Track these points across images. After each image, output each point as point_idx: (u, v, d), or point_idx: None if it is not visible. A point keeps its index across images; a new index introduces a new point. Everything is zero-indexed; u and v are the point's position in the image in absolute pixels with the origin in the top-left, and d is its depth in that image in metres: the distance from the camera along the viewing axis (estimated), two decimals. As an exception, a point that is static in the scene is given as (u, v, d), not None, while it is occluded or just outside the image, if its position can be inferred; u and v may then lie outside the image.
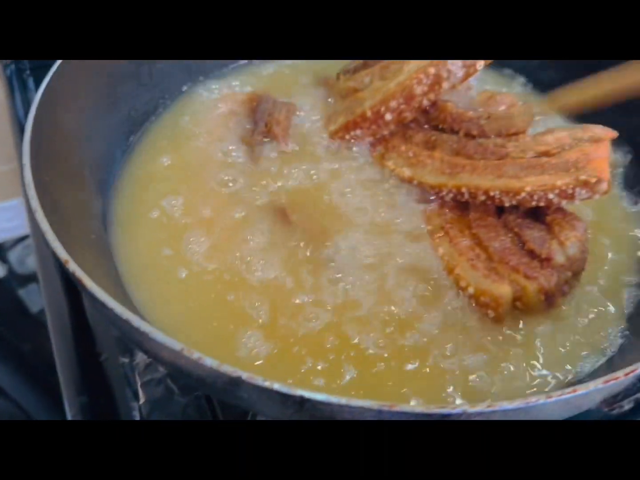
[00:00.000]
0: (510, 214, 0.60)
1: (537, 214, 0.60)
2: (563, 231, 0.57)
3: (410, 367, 0.49)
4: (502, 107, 0.67)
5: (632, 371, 0.40)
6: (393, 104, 0.61)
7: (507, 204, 0.58)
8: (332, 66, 0.74)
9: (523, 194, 0.56)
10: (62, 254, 0.33)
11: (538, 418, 0.39)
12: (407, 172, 0.63)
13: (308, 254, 0.57)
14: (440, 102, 0.64)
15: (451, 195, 0.61)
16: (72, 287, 0.51)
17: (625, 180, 0.70)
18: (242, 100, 0.69)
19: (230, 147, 0.65)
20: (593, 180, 0.54)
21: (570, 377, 0.52)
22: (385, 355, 0.50)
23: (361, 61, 0.69)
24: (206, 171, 0.64)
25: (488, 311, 0.55)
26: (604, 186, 0.54)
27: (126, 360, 0.45)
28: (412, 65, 0.63)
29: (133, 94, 0.66)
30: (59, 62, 0.53)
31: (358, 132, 0.64)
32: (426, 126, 0.66)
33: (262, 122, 0.64)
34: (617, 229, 0.67)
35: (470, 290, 0.55)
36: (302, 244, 0.57)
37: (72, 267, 0.33)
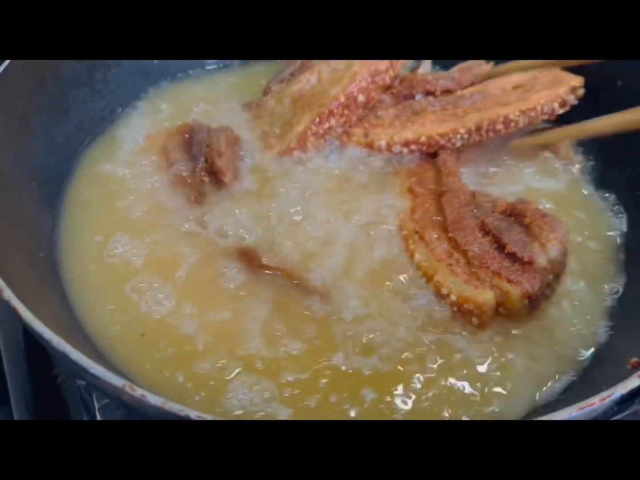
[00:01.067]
0: (487, 216, 0.58)
1: (516, 215, 0.58)
2: (543, 233, 0.56)
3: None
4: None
5: (608, 397, 0.39)
6: (363, 83, 0.62)
7: (520, 125, 0.63)
8: (248, 85, 0.75)
9: (537, 108, 0.62)
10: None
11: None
12: (409, 134, 0.63)
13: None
14: (407, 75, 0.69)
15: (465, 137, 0.62)
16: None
17: (595, 179, 0.71)
18: (172, 134, 0.63)
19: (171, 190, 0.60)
20: (578, 84, 0.65)
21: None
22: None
23: (296, 66, 0.69)
24: (156, 212, 0.60)
25: (472, 318, 0.53)
26: (582, 89, 0.65)
27: (83, 382, 0.42)
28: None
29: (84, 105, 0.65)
30: (6, 62, 0.50)
31: (332, 122, 0.63)
32: (395, 101, 0.69)
33: (200, 155, 0.58)
34: (594, 225, 0.67)
35: (453, 297, 0.53)
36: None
37: (7, 295, 0.31)
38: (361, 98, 0.61)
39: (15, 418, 0.41)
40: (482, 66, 0.71)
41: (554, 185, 0.67)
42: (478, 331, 0.53)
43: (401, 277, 0.56)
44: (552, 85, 0.64)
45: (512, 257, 0.55)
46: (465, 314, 0.53)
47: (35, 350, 0.45)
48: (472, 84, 0.68)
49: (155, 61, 0.72)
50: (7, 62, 0.49)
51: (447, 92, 0.67)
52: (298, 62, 0.68)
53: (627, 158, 0.66)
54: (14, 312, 0.47)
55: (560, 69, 0.66)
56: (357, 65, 0.62)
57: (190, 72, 0.78)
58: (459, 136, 0.62)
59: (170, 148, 0.59)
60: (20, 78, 0.52)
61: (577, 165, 0.70)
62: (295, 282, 0.53)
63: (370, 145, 0.64)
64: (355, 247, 0.58)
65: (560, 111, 0.65)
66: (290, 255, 0.56)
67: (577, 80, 0.65)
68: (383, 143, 0.64)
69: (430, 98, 0.68)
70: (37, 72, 0.55)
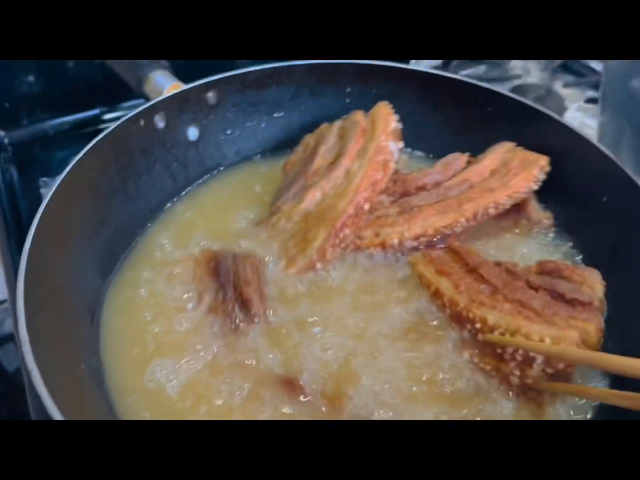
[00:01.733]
0: (528, 277, 0.63)
1: (549, 272, 0.65)
2: (586, 280, 0.63)
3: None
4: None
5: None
6: (366, 194, 0.69)
7: (507, 207, 0.73)
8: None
9: (520, 189, 0.72)
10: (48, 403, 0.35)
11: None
12: (417, 229, 0.71)
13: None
14: (398, 175, 0.76)
15: (464, 225, 0.71)
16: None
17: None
18: (198, 262, 0.63)
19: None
20: (545, 163, 0.76)
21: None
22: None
23: (298, 186, 0.74)
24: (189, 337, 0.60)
25: (567, 369, 0.55)
26: (548, 167, 0.75)
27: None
28: (361, 163, 0.72)
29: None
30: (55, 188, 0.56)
31: (346, 231, 0.67)
32: (392, 199, 0.75)
33: (229, 285, 0.60)
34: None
35: (547, 340, 0.55)
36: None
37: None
38: (366, 206, 0.69)
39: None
40: (459, 159, 0.77)
41: (538, 249, 0.74)
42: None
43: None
44: (524, 167, 0.75)
45: (571, 302, 0.59)
46: (559, 366, 0.55)
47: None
48: (454, 175, 0.76)
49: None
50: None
51: (435, 185, 0.75)
52: (300, 183, 0.73)
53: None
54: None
55: (521, 149, 0.77)
56: (358, 179, 0.69)
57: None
58: (459, 224, 0.70)
59: (199, 277, 0.61)
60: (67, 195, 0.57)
61: (547, 222, 0.77)
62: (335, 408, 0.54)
63: (383, 245, 0.69)
64: (408, 361, 0.59)
65: (535, 188, 0.75)
66: (328, 381, 0.56)
67: (544, 160, 0.75)
68: (395, 241, 0.68)
69: (423, 193, 0.74)
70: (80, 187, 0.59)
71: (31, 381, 0.39)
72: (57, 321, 0.49)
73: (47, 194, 0.54)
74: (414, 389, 0.57)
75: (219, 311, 0.59)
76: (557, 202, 0.77)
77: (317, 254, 0.65)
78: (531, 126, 0.79)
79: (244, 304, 0.59)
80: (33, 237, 0.47)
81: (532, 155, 0.76)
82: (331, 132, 0.78)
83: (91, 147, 0.64)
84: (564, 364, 0.55)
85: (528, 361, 0.55)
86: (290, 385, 0.53)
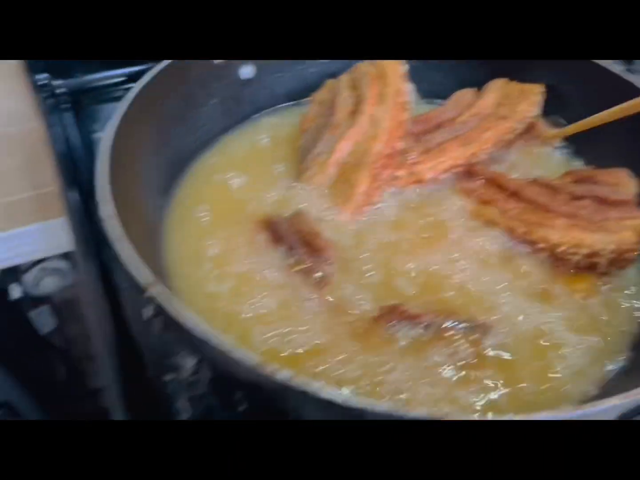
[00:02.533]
0: (567, 188, 0.66)
1: (583, 180, 0.68)
2: (620, 179, 0.65)
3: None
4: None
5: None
6: (396, 134, 0.71)
7: (519, 131, 0.76)
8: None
9: (527, 114, 0.77)
10: (147, 275, 0.36)
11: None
12: (449, 161, 0.74)
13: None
14: (417, 116, 0.79)
15: (487, 152, 0.74)
16: (115, 308, 0.55)
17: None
18: (251, 238, 0.62)
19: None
20: (542, 89, 0.80)
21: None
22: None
23: (324, 142, 0.75)
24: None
25: (628, 255, 0.59)
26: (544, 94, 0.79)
27: (170, 377, 0.50)
28: (384, 108, 0.74)
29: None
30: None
31: (386, 172, 0.70)
32: (413, 139, 0.77)
33: (296, 243, 0.60)
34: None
35: (612, 247, 0.58)
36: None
37: (157, 290, 0.36)
38: (401, 145, 0.71)
39: (111, 412, 0.48)
40: (467, 94, 0.84)
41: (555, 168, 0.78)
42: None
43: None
44: (524, 95, 0.81)
45: (615, 204, 0.62)
46: (623, 255, 0.59)
47: (124, 350, 0.52)
48: (464, 110, 0.80)
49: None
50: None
51: (450, 121, 0.79)
52: (326, 136, 0.74)
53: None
54: (117, 308, 0.56)
55: (515, 82, 0.83)
56: (386, 121, 0.71)
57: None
58: (484, 151, 0.75)
59: (264, 247, 0.61)
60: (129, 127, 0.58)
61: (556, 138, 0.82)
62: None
63: (420, 181, 0.73)
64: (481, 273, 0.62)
65: (538, 112, 0.81)
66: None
67: (538, 87, 0.81)
68: (431, 175, 0.72)
69: (442, 129, 0.77)
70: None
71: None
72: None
73: (117, 113, 0.55)
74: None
75: (297, 268, 0.59)
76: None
77: (363, 198, 0.67)
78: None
79: (318, 253, 0.60)
80: (109, 151, 0.48)
81: (527, 86, 0.83)
82: (341, 85, 0.80)
83: (156, 73, 0.67)
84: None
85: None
86: (393, 310, 0.54)
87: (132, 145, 0.53)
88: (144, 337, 0.54)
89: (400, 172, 0.71)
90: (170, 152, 0.63)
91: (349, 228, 0.65)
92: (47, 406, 1.16)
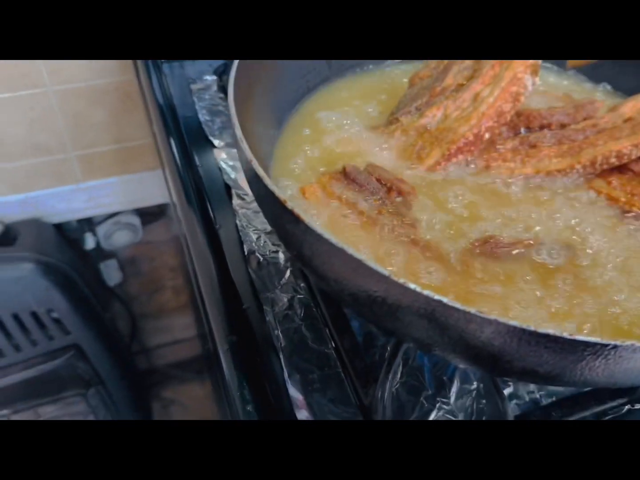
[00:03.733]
0: None
1: None
2: None
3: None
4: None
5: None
6: (490, 123, 0.67)
7: (633, 157, 0.65)
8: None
9: (628, 148, 0.65)
10: (280, 194, 0.34)
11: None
12: (528, 169, 0.68)
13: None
14: (524, 109, 0.71)
15: (580, 171, 0.66)
16: (217, 250, 0.57)
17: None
18: (329, 183, 0.59)
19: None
20: None
21: None
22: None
23: (422, 101, 0.74)
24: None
25: None
26: None
27: (267, 309, 0.52)
28: (492, 90, 0.70)
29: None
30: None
31: (459, 157, 0.66)
32: (511, 133, 0.73)
33: (378, 189, 0.59)
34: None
35: None
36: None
37: (290, 206, 0.34)
38: (487, 136, 0.67)
39: (216, 337, 0.51)
40: (594, 104, 0.77)
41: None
42: None
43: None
44: None
45: None
46: None
47: (225, 286, 0.55)
48: (585, 118, 0.75)
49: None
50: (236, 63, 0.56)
51: (561, 126, 0.71)
52: (424, 98, 0.72)
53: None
54: (218, 251, 0.58)
55: None
56: (485, 106, 0.68)
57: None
58: (574, 171, 0.67)
59: (343, 195, 0.59)
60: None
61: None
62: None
63: (491, 173, 0.70)
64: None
65: None
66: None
67: None
68: (504, 177, 0.70)
69: (546, 131, 0.73)
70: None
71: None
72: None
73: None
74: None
75: (382, 212, 0.57)
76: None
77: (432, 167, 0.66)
78: None
79: (402, 195, 0.61)
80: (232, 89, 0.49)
81: None
82: None
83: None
84: None
85: None
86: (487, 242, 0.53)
87: (247, 85, 0.54)
88: (241, 276, 0.56)
89: (477, 161, 0.69)
90: (277, 96, 0.63)
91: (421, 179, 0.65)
92: (112, 355, 1.21)
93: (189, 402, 1.66)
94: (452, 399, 0.50)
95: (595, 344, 0.29)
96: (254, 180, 0.37)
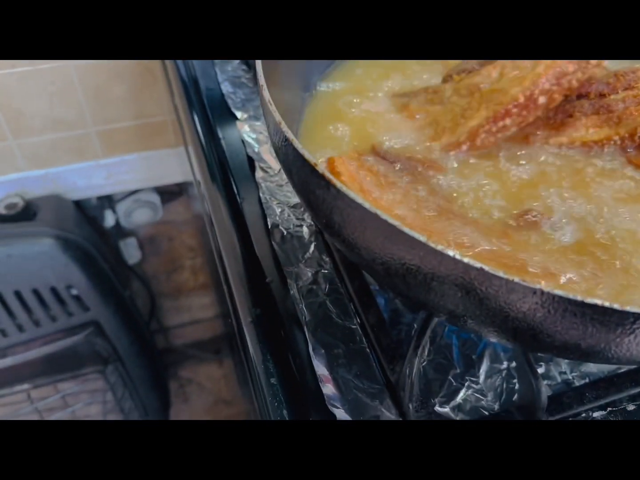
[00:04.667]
0: None
1: None
2: None
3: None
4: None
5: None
6: (546, 85, 0.61)
7: None
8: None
9: None
10: (310, 157, 0.33)
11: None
12: (563, 139, 0.64)
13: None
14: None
15: (618, 143, 0.62)
16: (240, 224, 0.56)
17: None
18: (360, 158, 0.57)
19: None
20: None
21: None
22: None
23: (474, 62, 0.70)
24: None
25: None
26: None
27: (292, 283, 0.51)
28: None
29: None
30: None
31: (507, 121, 0.61)
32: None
33: (408, 167, 0.57)
34: None
35: None
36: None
37: (322, 169, 0.33)
38: (542, 100, 0.61)
39: (240, 310, 0.50)
40: (637, 72, 0.72)
41: None
42: None
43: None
44: None
45: None
46: None
47: (249, 261, 0.54)
48: (626, 88, 0.71)
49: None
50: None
51: (600, 95, 0.71)
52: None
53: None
54: (242, 227, 0.57)
55: None
56: (542, 66, 0.62)
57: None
58: (611, 142, 0.63)
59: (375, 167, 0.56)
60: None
61: None
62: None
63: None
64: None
65: None
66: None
67: None
68: (537, 144, 0.66)
69: (584, 101, 0.70)
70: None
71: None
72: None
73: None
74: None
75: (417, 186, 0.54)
76: None
77: (467, 135, 0.63)
78: None
79: (434, 170, 0.58)
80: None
81: None
82: None
83: None
84: None
85: None
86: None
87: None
88: (265, 249, 0.55)
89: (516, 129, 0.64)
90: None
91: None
92: (131, 332, 1.21)
93: (206, 382, 1.66)
94: (482, 378, 0.48)
95: (646, 316, 0.28)
96: (282, 144, 0.36)
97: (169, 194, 1.31)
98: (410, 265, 0.32)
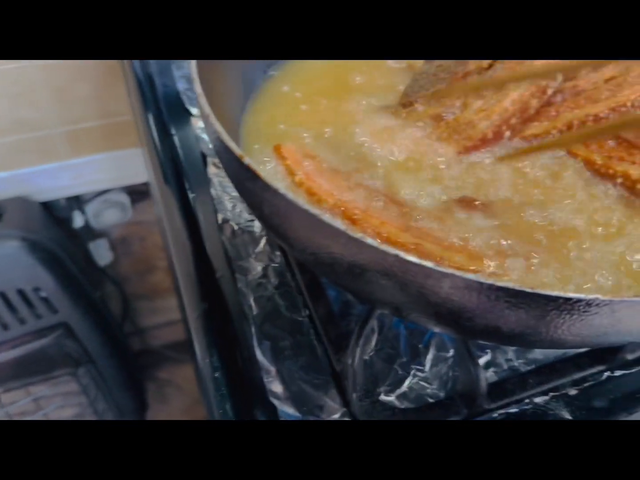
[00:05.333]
0: None
1: None
2: None
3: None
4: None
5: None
6: (512, 120, 0.62)
7: (612, 121, 0.62)
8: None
9: (628, 104, 0.61)
10: (236, 149, 0.33)
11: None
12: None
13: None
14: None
15: (557, 135, 0.63)
16: (191, 221, 0.56)
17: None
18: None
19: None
20: None
21: None
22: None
23: (441, 87, 0.69)
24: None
25: None
26: None
27: (241, 277, 0.51)
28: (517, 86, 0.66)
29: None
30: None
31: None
32: None
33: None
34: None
35: None
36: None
37: (247, 161, 0.33)
38: (507, 134, 0.62)
39: (186, 304, 0.50)
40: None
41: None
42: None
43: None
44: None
45: None
46: None
47: (198, 256, 0.54)
48: (566, 79, 0.67)
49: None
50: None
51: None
52: (445, 82, 0.67)
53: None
54: (192, 221, 0.57)
55: None
56: (509, 100, 0.64)
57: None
58: (550, 135, 0.63)
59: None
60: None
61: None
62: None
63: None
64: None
65: None
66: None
67: None
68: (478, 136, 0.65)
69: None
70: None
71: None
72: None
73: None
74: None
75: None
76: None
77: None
78: None
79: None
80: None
81: None
82: None
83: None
84: None
85: None
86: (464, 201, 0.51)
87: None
88: (216, 245, 0.55)
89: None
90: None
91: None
92: (102, 334, 1.20)
93: (184, 384, 1.66)
94: (427, 366, 0.49)
95: (557, 298, 0.28)
96: (213, 137, 0.36)
97: (138, 193, 1.30)
98: (335, 254, 0.32)
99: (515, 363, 0.49)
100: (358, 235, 0.30)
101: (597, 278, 0.40)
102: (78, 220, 1.23)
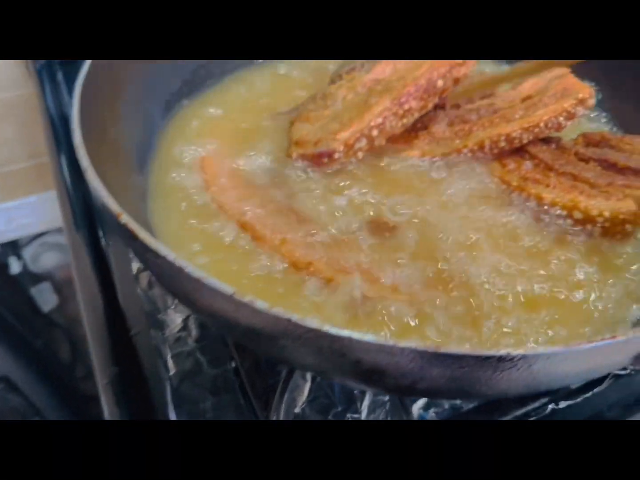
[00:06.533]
0: (576, 149, 0.61)
1: (596, 144, 0.62)
2: (635, 148, 0.60)
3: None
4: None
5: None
6: (442, 70, 0.63)
7: (525, 141, 0.61)
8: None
9: (541, 125, 0.60)
10: (114, 207, 0.30)
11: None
12: (416, 152, 0.63)
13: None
14: None
15: (470, 153, 0.62)
16: (104, 272, 0.52)
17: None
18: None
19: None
20: (586, 96, 0.60)
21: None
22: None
23: (356, 63, 0.68)
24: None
25: (626, 226, 0.54)
26: (592, 100, 0.61)
27: (157, 333, 0.47)
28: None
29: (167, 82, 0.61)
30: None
31: (413, 103, 0.61)
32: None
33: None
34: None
35: (606, 214, 0.54)
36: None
37: (125, 219, 0.31)
38: (440, 83, 0.61)
39: (96, 367, 0.46)
40: (483, 74, 0.70)
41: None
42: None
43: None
44: (560, 97, 0.63)
45: (623, 171, 0.58)
46: (618, 225, 0.54)
47: (111, 310, 0.50)
48: (483, 97, 0.68)
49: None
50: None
51: (454, 106, 0.66)
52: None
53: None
54: (105, 272, 0.53)
55: (572, 77, 0.65)
56: (431, 61, 0.64)
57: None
58: (462, 155, 0.62)
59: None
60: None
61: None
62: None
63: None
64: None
65: (567, 124, 0.62)
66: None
67: (585, 92, 0.61)
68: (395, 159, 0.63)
69: (439, 112, 0.66)
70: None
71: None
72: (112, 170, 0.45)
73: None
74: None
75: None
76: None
77: (374, 118, 0.60)
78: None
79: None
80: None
81: (577, 85, 0.64)
82: None
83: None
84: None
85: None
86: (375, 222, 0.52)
87: (111, 88, 0.49)
88: (131, 297, 0.51)
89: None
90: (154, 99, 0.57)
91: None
92: (49, 383, 1.14)
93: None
94: (364, 413, 0.45)
95: (469, 357, 0.25)
96: (93, 194, 0.32)
97: (78, 233, 1.25)
98: (229, 318, 0.29)
99: (457, 401, 0.47)
100: (246, 299, 0.26)
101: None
102: (15, 266, 1.17)
